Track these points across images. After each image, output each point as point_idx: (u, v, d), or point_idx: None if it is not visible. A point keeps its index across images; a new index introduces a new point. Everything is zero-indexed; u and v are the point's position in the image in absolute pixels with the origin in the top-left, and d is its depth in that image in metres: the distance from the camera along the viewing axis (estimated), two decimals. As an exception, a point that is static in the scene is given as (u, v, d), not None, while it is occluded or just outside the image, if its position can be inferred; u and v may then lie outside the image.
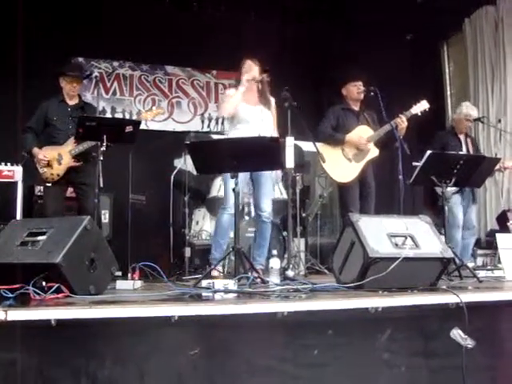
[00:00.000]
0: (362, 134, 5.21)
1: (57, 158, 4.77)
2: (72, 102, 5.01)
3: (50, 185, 4.82)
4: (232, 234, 4.67)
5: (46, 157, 4.75)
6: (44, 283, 2.84)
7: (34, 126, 4.92)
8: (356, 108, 5.39)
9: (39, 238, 3.08)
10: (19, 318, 2.30)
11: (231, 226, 4.50)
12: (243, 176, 4.35)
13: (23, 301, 2.68)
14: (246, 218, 5.64)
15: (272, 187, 4.70)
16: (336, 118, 5.32)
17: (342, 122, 5.31)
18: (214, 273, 4.06)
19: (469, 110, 5.91)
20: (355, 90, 5.32)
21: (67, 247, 2.90)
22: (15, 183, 5.00)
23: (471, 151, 5.87)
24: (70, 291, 2.85)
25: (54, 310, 2.41)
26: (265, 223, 4.61)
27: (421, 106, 5.18)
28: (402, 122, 5.03)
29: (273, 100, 4.72)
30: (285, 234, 5.36)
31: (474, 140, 6.35)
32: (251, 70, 4.57)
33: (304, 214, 6.35)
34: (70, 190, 5.02)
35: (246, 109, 4.58)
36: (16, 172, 5.00)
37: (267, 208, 4.58)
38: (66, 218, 3.48)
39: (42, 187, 5.15)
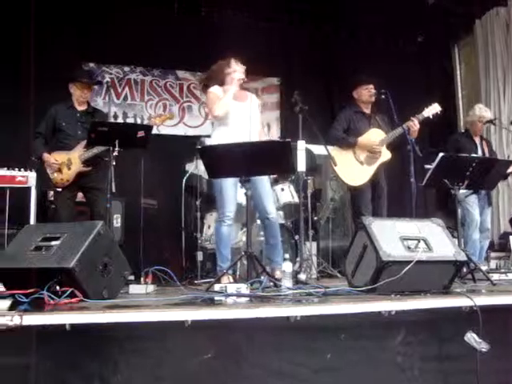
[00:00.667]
0: (374, 137, 5.19)
1: (66, 163, 4.77)
2: (81, 108, 5.01)
3: (60, 190, 4.82)
4: (233, 242, 4.66)
5: (56, 161, 4.76)
6: (58, 288, 2.87)
7: (44, 131, 4.93)
8: (367, 111, 5.37)
9: (53, 242, 3.10)
10: (34, 322, 2.33)
11: (231, 236, 4.47)
12: (233, 180, 4.26)
13: (38, 305, 2.70)
14: (258, 221, 5.61)
15: (270, 187, 4.55)
16: (347, 121, 5.31)
17: (354, 125, 5.29)
18: (225, 280, 4.00)
19: (482, 112, 5.86)
20: (366, 93, 5.29)
21: (81, 252, 2.93)
22: (29, 188, 5.03)
23: (487, 154, 5.81)
24: (83, 296, 2.88)
25: (68, 315, 2.44)
26: (273, 223, 4.46)
27: (433, 109, 5.14)
28: (414, 125, 4.99)
29: (254, 96, 4.65)
30: (297, 237, 5.34)
31: (490, 142, 6.29)
32: (240, 68, 4.48)
33: (316, 218, 6.33)
34: (81, 194, 5.01)
35: (235, 106, 4.43)
36: (30, 177, 5.03)
37: (273, 209, 4.46)
38: (79, 223, 3.48)
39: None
